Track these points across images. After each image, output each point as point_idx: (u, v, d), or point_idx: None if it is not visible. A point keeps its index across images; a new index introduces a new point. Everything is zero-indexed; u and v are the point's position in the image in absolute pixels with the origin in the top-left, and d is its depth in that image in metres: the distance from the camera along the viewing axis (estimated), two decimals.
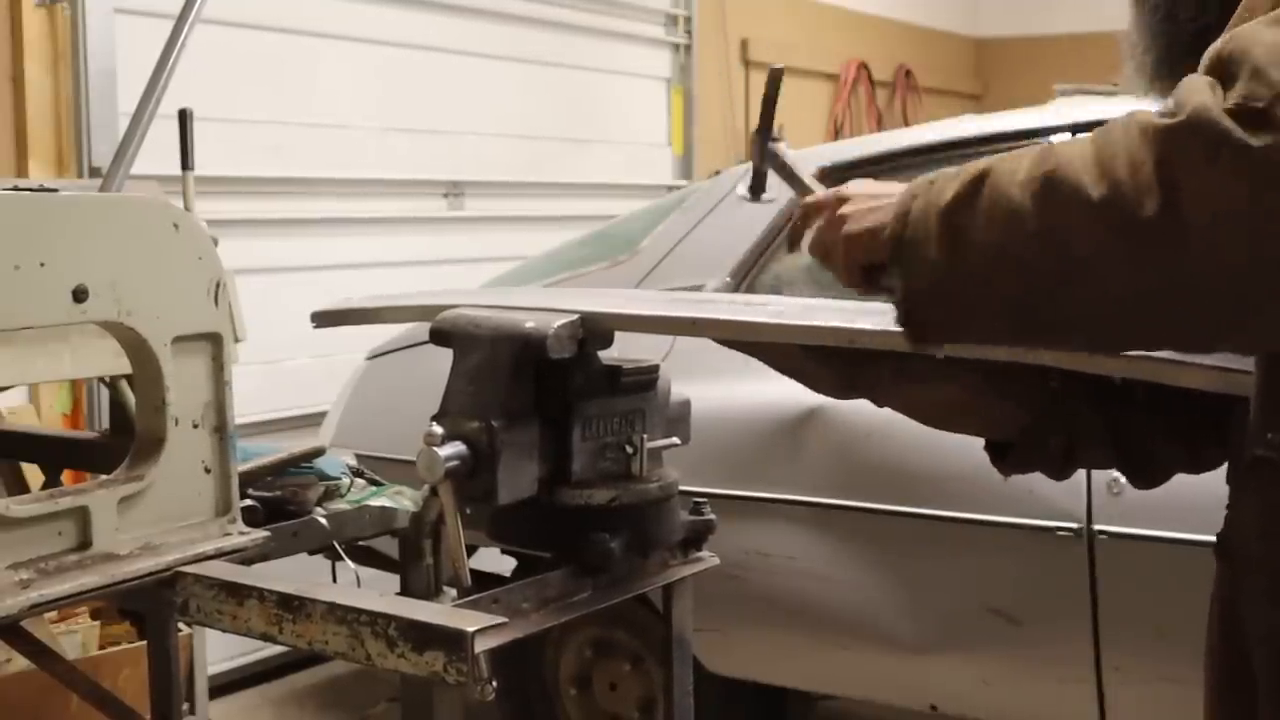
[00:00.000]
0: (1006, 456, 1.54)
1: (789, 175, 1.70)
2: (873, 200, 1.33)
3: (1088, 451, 1.50)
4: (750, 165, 1.86)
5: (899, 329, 1.26)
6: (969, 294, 1.19)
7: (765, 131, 1.71)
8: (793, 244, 1.67)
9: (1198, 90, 1.06)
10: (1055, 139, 2.85)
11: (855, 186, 1.38)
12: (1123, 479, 2.44)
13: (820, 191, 1.56)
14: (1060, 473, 1.54)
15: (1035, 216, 1.11)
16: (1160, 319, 1.11)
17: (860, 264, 1.33)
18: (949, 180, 1.20)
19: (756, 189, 1.73)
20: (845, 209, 1.35)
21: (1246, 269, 1.04)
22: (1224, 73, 1.07)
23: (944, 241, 1.18)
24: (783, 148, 1.72)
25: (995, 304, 1.17)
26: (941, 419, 1.56)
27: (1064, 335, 1.20)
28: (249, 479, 1.81)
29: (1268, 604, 1.26)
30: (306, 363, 4.30)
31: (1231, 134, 1.02)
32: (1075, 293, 1.12)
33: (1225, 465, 1.39)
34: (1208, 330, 1.12)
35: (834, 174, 3.17)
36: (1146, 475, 1.52)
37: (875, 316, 1.39)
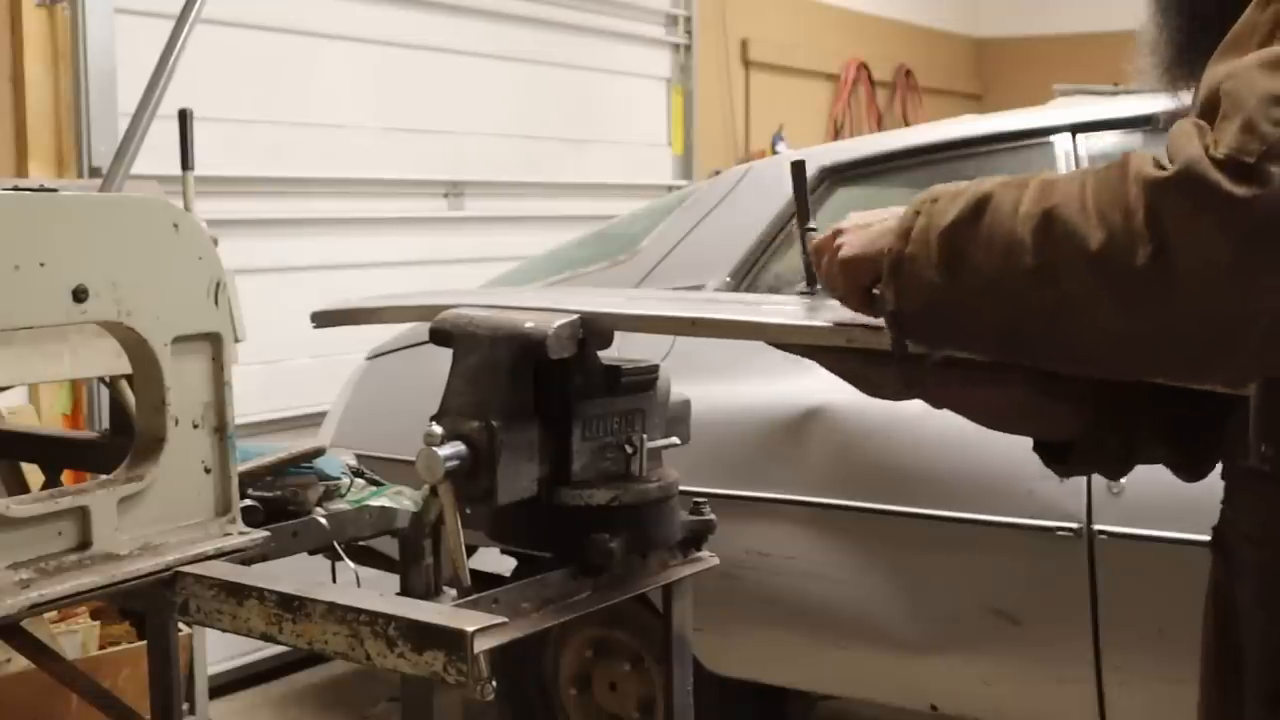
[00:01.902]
0: (1065, 458, 1.52)
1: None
2: (865, 227, 1.35)
3: (1146, 448, 1.49)
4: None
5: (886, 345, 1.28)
6: (961, 317, 1.22)
7: (803, 221, 1.72)
8: (810, 281, 1.71)
9: (1188, 141, 1.09)
10: (1055, 139, 2.87)
11: (850, 217, 1.41)
12: (1123, 479, 2.46)
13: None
14: (1119, 472, 1.53)
15: (1032, 252, 1.14)
16: (1146, 358, 1.16)
17: (861, 286, 1.35)
18: (951, 201, 1.22)
19: (812, 279, 1.70)
20: (841, 238, 1.38)
21: (1231, 318, 1.08)
22: (1218, 112, 1.09)
23: (943, 263, 1.21)
24: (816, 228, 1.71)
25: (986, 329, 1.21)
26: (1000, 421, 1.54)
27: (1052, 364, 1.24)
28: (249, 479, 1.81)
29: (1260, 609, 1.26)
30: (306, 363, 4.30)
31: (1219, 187, 1.05)
32: (1066, 328, 1.15)
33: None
34: (1192, 370, 1.17)
35: (834, 174, 3.17)
36: (1198, 467, 1.51)
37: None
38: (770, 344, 1.56)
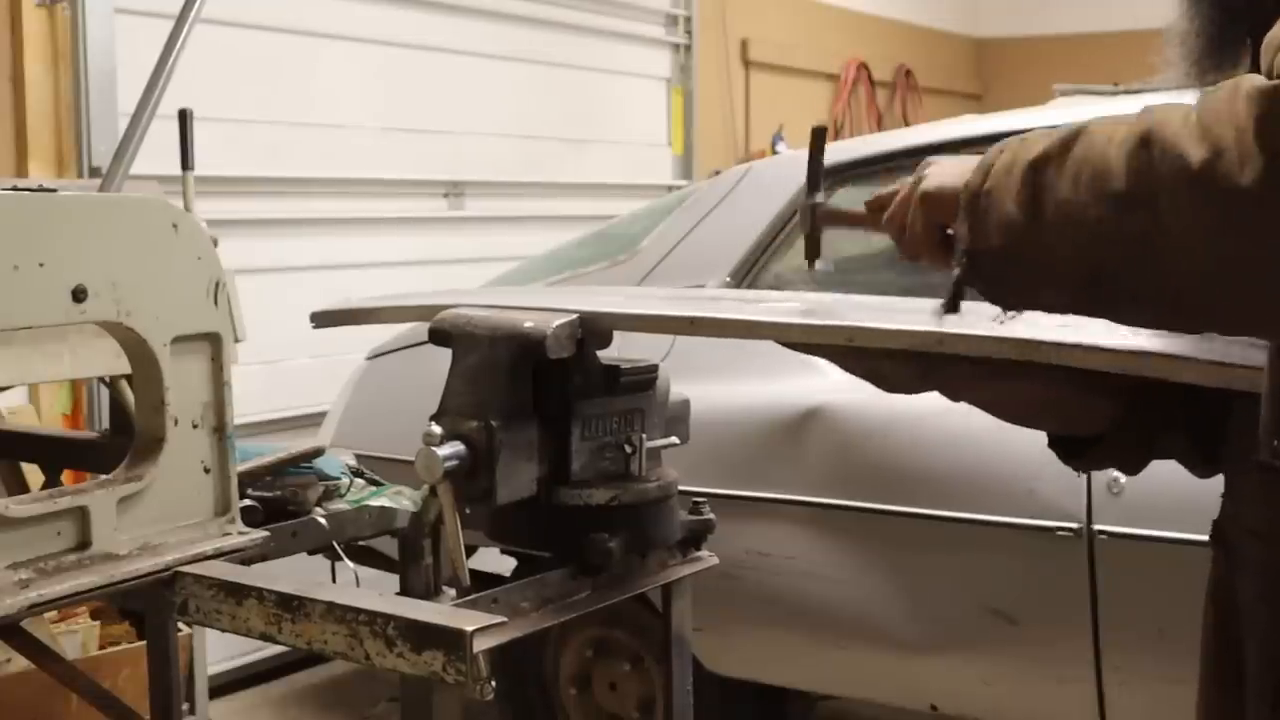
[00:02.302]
0: (1084, 453, 1.48)
1: (846, 219, 1.59)
2: (956, 166, 1.27)
3: (1167, 444, 1.46)
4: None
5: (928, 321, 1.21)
6: (1040, 256, 1.13)
7: (813, 193, 1.60)
8: (811, 255, 1.63)
9: None
10: None
11: (939, 159, 1.33)
12: (1123, 479, 2.46)
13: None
14: (1138, 467, 1.49)
15: (1124, 176, 1.06)
16: (1243, 293, 1.05)
17: (936, 223, 1.27)
18: (1042, 136, 1.15)
19: (811, 256, 1.62)
20: (925, 172, 1.30)
21: None
22: None
23: (1024, 196, 1.13)
24: (824, 199, 1.61)
25: (1066, 269, 1.12)
26: (1021, 416, 1.50)
27: (1136, 307, 1.14)
28: (249, 479, 1.81)
29: (1263, 605, 1.26)
30: (306, 363, 4.30)
31: None
32: (1158, 261, 1.06)
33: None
34: None
35: (834, 174, 3.17)
36: (1213, 463, 1.47)
37: (875, 313, 1.39)
38: (780, 343, 1.54)
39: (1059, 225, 1.11)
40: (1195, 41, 1.35)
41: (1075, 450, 1.49)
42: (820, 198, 1.59)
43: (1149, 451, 1.47)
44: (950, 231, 1.24)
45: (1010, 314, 1.25)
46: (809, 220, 1.60)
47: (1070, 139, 1.12)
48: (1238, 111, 1.01)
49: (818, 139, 1.62)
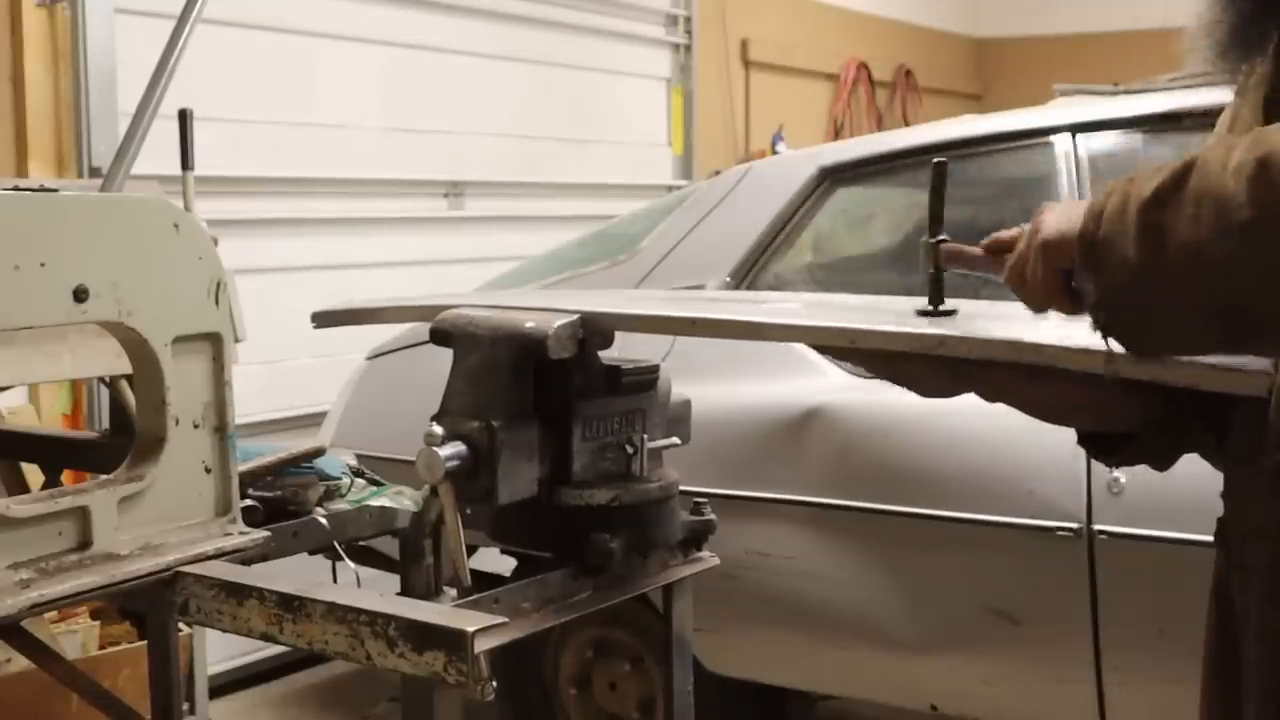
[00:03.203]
0: (1117, 450, 1.47)
1: (967, 261, 1.51)
2: (1072, 210, 1.24)
3: (1195, 440, 1.45)
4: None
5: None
6: (1170, 299, 1.10)
7: (937, 230, 1.51)
8: (935, 297, 1.51)
9: None
10: (1055, 139, 2.87)
11: (1053, 204, 1.29)
12: (1123, 479, 2.46)
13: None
14: (1168, 463, 1.48)
15: (1249, 205, 1.03)
16: None
17: (1058, 271, 1.23)
18: (1151, 175, 1.12)
19: (936, 297, 1.51)
20: (1041, 219, 1.27)
21: None
22: None
23: (1143, 239, 1.10)
24: (947, 237, 1.51)
25: (1202, 307, 1.09)
26: (1056, 415, 1.49)
27: (1277, 339, 1.10)
28: (249, 479, 1.81)
29: (1270, 605, 1.25)
30: (307, 363, 4.30)
31: None
32: None
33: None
34: None
35: (834, 174, 3.17)
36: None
37: (881, 315, 1.38)
38: (813, 348, 1.49)
39: (1185, 265, 1.08)
40: (1223, 31, 1.33)
41: (1107, 447, 1.48)
42: (944, 236, 1.52)
43: (1180, 448, 1.47)
44: (1074, 281, 1.21)
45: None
46: (933, 260, 1.53)
47: (1182, 173, 1.10)
48: None
49: (939, 175, 1.55)
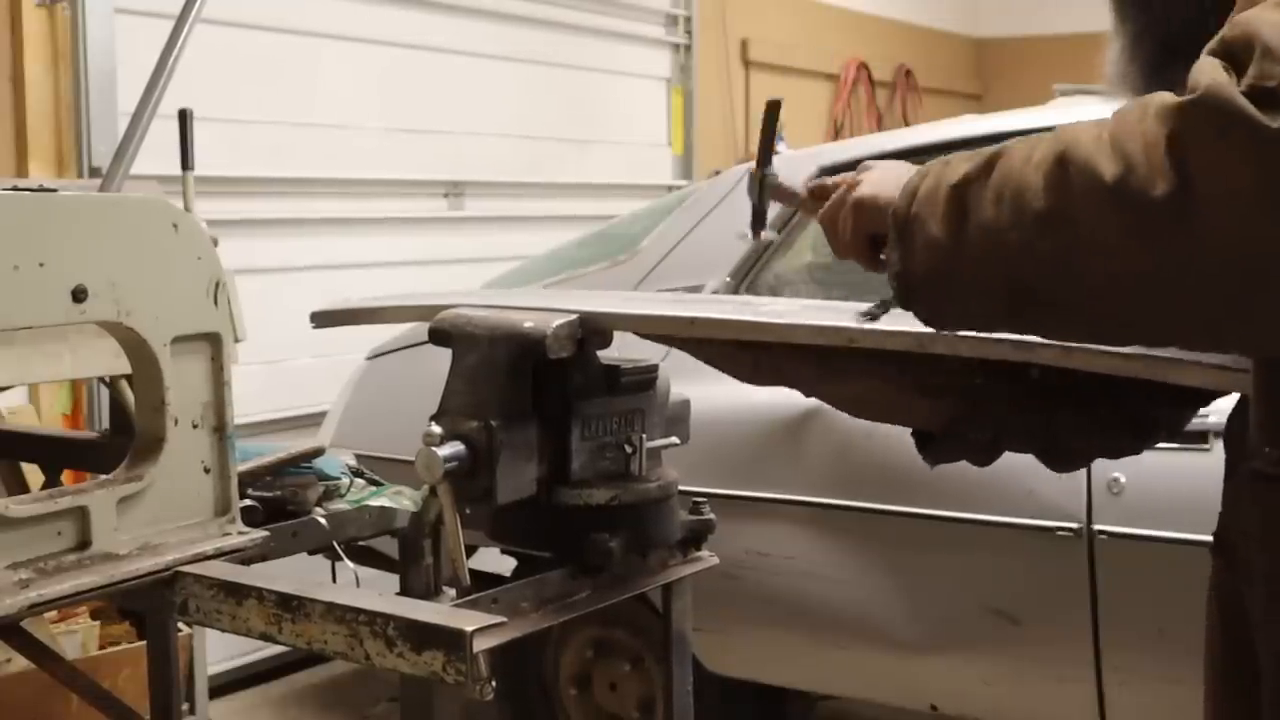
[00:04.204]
0: (929, 447, 1.56)
1: (789, 198, 1.66)
2: (891, 174, 1.32)
3: (1012, 444, 1.52)
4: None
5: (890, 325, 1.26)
6: (968, 274, 1.17)
7: (764, 165, 1.65)
8: (757, 225, 1.68)
9: (1210, 70, 1.04)
10: None
11: (877, 163, 1.38)
12: (1123, 479, 2.46)
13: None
14: (985, 461, 1.55)
15: (1044, 195, 1.09)
16: (1162, 305, 1.09)
17: (866, 232, 1.33)
18: (963, 160, 1.19)
19: (757, 226, 1.67)
20: (862, 177, 1.35)
21: (1252, 251, 1.02)
22: (1232, 59, 1.05)
23: (948, 219, 1.17)
24: (775, 172, 1.66)
25: (994, 285, 1.16)
26: (865, 412, 1.60)
27: (1066, 323, 1.18)
28: (249, 479, 1.81)
29: (1273, 608, 1.25)
30: (307, 363, 4.29)
31: (1244, 111, 1.00)
32: (1078, 274, 1.10)
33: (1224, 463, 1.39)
34: (1209, 319, 1.09)
35: (834, 174, 3.16)
36: (1063, 465, 1.55)
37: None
38: (640, 336, 1.60)
39: (983, 246, 1.15)
40: (1137, 77, 1.38)
41: (927, 443, 1.56)
42: (772, 170, 1.65)
43: (993, 449, 1.53)
44: (880, 243, 1.29)
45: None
46: (757, 191, 1.65)
47: (990, 161, 1.16)
48: (1147, 128, 1.05)
49: (772, 112, 1.67)
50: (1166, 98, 1.06)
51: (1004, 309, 1.18)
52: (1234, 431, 1.35)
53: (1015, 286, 1.14)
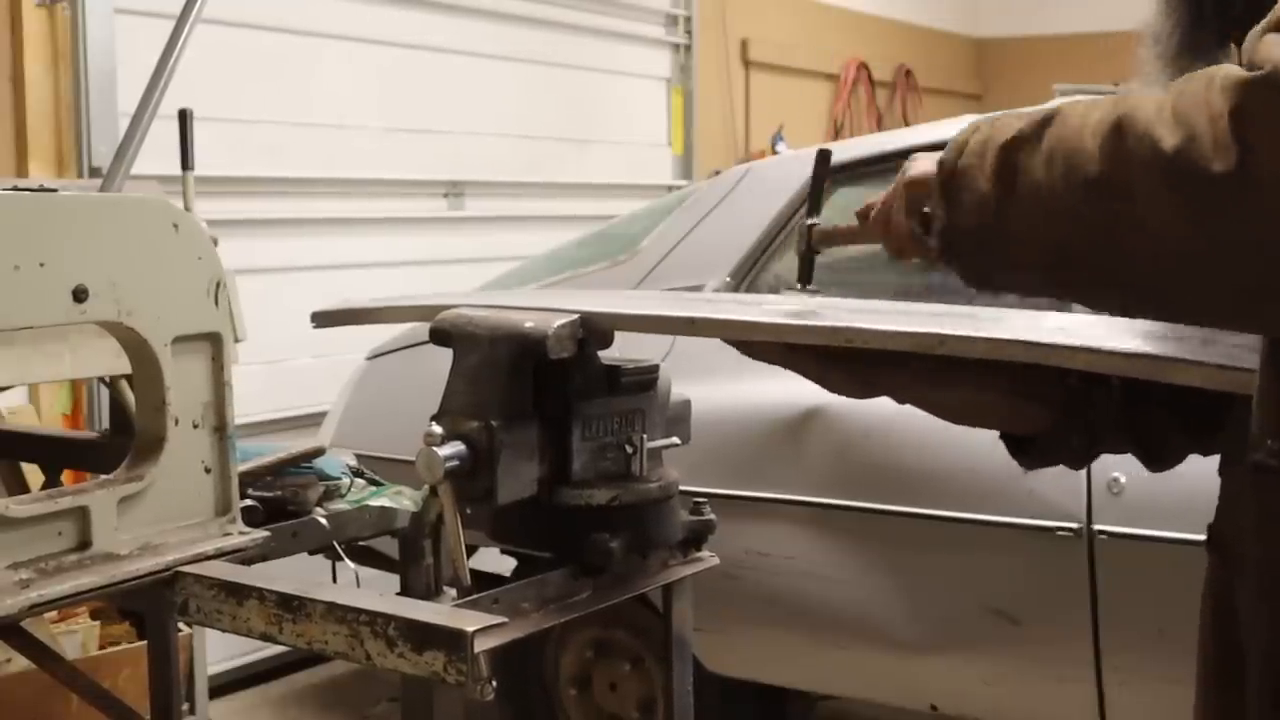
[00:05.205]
0: (1028, 452, 1.53)
1: (839, 237, 1.61)
2: (935, 157, 1.29)
3: (1109, 444, 1.50)
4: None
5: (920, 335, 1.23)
6: (1014, 234, 1.15)
7: (813, 213, 1.61)
8: (804, 277, 1.64)
9: (1278, 45, 1.01)
10: None
11: (923, 155, 1.36)
12: (1123, 479, 2.46)
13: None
14: (1081, 464, 1.55)
15: (1098, 160, 1.07)
16: (1205, 279, 1.06)
17: (918, 209, 1.30)
18: (1015, 118, 1.17)
19: (805, 276, 1.63)
20: (907, 165, 1.34)
21: None
22: None
23: (997, 176, 1.15)
24: (819, 221, 1.62)
25: (1038, 249, 1.14)
26: (963, 417, 1.55)
27: (1102, 292, 1.16)
28: (249, 479, 1.81)
29: (1263, 605, 1.26)
30: (307, 363, 4.30)
31: None
32: (1125, 246, 1.07)
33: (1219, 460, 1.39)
34: (1251, 298, 1.06)
35: (834, 174, 3.16)
36: (1162, 462, 1.53)
37: (872, 316, 1.39)
38: (728, 343, 1.58)
39: (1031, 207, 1.12)
40: (1170, 41, 1.36)
41: (1023, 447, 1.55)
42: (817, 219, 1.61)
43: (1090, 452, 1.52)
44: (927, 206, 1.26)
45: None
46: (805, 241, 1.62)
47: (1045, 121, 1.13)
48: (1212, 101, 1.02)
49: (822, 162, 1.63)
50: (1233, 70, 1.03)
51: (1045, 272, 1.16)
52: (1231, 429, 1.35)
53: (1060, 251, 1.12)
